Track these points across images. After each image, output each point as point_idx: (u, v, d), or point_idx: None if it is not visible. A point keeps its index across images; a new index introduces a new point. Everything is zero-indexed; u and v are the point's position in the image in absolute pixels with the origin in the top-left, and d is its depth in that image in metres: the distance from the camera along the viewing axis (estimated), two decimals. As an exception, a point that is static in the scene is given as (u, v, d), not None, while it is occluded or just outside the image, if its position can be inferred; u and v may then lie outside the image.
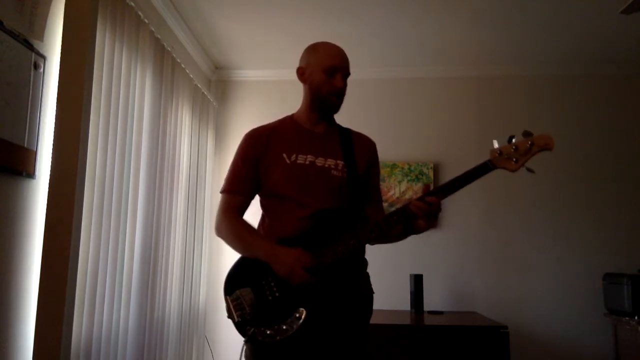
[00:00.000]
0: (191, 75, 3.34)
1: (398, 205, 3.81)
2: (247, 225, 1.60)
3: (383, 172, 3.76)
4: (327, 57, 1.60)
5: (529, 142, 1.50)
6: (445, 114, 3.91)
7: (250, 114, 3.99)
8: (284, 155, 1.59)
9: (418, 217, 1.49)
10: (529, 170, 1.50)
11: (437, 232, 3.70)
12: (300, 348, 1.46)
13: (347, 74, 1.63)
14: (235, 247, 1.58)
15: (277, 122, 1.70)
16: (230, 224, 1.59)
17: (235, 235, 1.58)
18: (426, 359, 2.77)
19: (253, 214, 1.66)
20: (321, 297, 1.47)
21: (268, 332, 1.44)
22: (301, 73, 1.65)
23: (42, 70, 1.96)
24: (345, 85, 1.61)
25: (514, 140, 1.52)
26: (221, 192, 1.65)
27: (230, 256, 1.56)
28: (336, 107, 1.64)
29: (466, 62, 3.85)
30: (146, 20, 2.58)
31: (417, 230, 1.52)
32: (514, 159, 1.51)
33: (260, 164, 1.60)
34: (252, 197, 1.65)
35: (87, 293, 2.06)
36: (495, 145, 1.53)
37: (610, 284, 3.35)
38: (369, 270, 1.65)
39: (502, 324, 2.90)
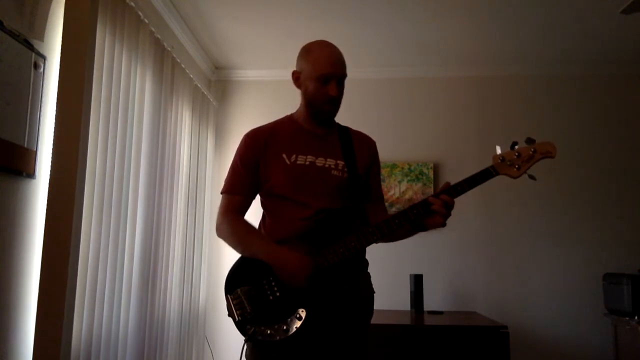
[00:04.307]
0: (191, 75, 3.34)
1: (398, 206, 3.83)
2: (248, 226, 1.60)
3: (383, 172, 3.76)
4: (319, 65, 1.54)
5: (532, 150, 1.51)
6: (445, 114, 3.91)
7: (250, 114, 3.99)
8: (284, 155, 1.58)
9: (421, 220, 1.50)
10: (531, 177, 1.51)
11: (437, 232, 3.70)
12: (300, 348, 1.46)
13: (343, 77, 1.57)
14: (236, 248, 1.57)
15: (277, 122, 1.69)
16: (231, 225, 1.59)
17: (236, 236, 1.58)
18: (426, 359, 2.77)
19: (254, 214, 1.66)
20: (322, 297, 1.47)
21: (268, 331, 1.44)
22: (296, 78, 1.63)
23: (42, 70, 1.96)
24: (340, 91, 1.57)
25: (516, 147, 1.52)
26: (221, 193, 1.65)
27: (230, 256, 1.56)
28: (332, 115, 1.62)
29: (466, 62, 3.85)
30: (146, 20, 2.58)
31: (429, 227, 1.51)
32: (517, 166, 1.51)
33: (260, 164, 1.60)
34: (253, 198, 1.65)
35: (87, 293, 2.06)
36: (498, 151, 1.53)
37: (610, 284, 3.35)
38: (369, 270, 1.65)
39: (502, 324, 2.90)
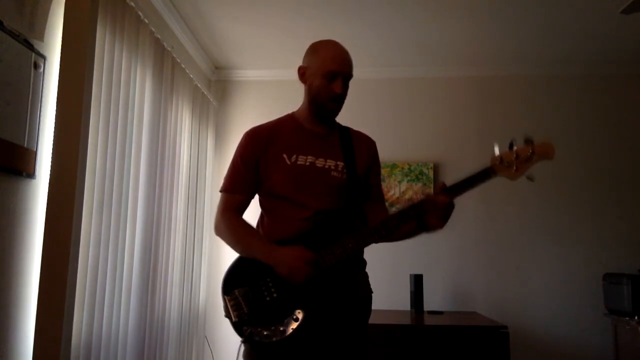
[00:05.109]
0: (191, 75, 3.34)
1: (398, 205, 3.83)
2: (246, 226, 1.59)
3: (383, 172, 3.76)
4: (327, 62, 1.55)
5: (530, 151, 1.49)
6: (445, 114, 3.91)
7: (250, 114, 3.99)
8: (285, 155, 1.58)
9: (419, 218, 1.50)
10: (529, 178, 1.50)
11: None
12: (298, 349, 1.45)
13: (349, 77, 1.59)
14: (234, 247, 1.57)
15: (278, 121, 1.69)
16: (229, 224, 1.58)
17: (234, 235, 1.57)
18: (426, 359, 2.77)
19: (253, 213, 1.66)
20: (319, 298, 1.46)
21: (265, 332, 1.43)
22: (302, 73, 1.63)
23: (42, 70, 1.96)
24: (345, 90, 1.58)
25: (514, 147, 1.51)
26: (220, 192, 1.64)
27: (230, 256, 1.56)
28: (334, 113, 1.62)
29: (466, 62, 3.85)
30: (146, 20, 2.58)
31: (431, 228, 1.50)
32: (515, 167, 1.50)
33: (260, 163, 1.59)
34: (252, 197, 1.65)
35: (87, 293, 2.06)
36: (497, 151, 1.51)
37: (610, 284, 3.35)
38: (369, 270, 1.65)
39: (502, 324, 2.90)
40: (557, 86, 3.87)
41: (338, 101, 1.59)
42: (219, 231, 1.61)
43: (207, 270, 3.73)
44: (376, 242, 1.50)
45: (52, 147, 2.01)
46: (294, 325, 1.43)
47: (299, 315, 1.44)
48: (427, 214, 1.48)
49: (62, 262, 1.94)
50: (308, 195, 1.54)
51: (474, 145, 3.80)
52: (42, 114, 1.96)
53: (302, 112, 1.66)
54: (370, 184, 1.68)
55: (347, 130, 1.70)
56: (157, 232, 2.75)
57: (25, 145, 1.87)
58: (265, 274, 1.48)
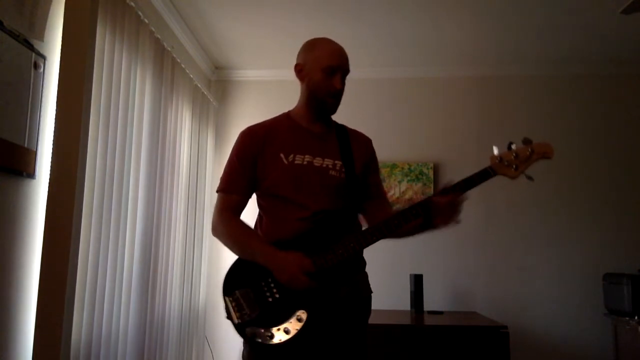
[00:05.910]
0: (191, 75, 3.34)
1: (398, 205, 3.83)
2: (244, 226, 1.58)
3: (383, 172, 3.77)
4: (325, 56, 1.55)
5: (529, 150, 1.50)
6: (445, 114, 3.91)
7: (250, 114, 3.98)
8: (282, 155, 1.56)
9: (426, 216, 1.49)
10: (529, 177, 1.51)
11: (437, 232, 3.70)
12: (299, 350, 1.44)
13: (347, 72, 1.59)
14: (232, 249, 1.55)
15: (274, 120, 1.67)
16: (227, 225, 1.56)
17: (232, 236, 1.55)
18: (426, 359, 2.77)
19: (252, 212, 1.66)
20: (321, 298, 1.45)
21: (268, 334, 1.42)
22: (298, 70, 1.62)
23: (42, 70, 1.96)
24: (343, 85, 1.58)
25: (513, 147, 1.52)
26: (217, 192, 1.62)
27: (230, 256, 1.55)
28: (333, 109, 1.61)
29: (466, 62, 3.85)
30: (146, 20, 2.58)
31: (437, 227, 1.51)
32: (514, 166, 1.51)
33: (257, 162, 1.57)
34: (249, 196, 1.63)
35: (87, 293, 2.06)
36: (495, 151, 1.53)
37: (610, 284, 3.35)
38: (369, 270, 1.65)
39: (502, 324, 2.90)
40: (557, 86, 3.87)
41: (337, 97, 1.58)
42: (217, 232, 1.59)
43: (207, 270, 3.73)
44: (378, 240, 1.49)
45: (52, 147, 2.01)
46: (298, 325, 1.42)
47: (303, 315, 1.42)
48: (431, 214, 1.48)
49: (62, 262, 1.94)
50: (306, 195, 1.53)
51: (474, 145, 3.80)
52: (42, 114, 1.96)
53: (298, 110, 1.65)
54: (369, 183, 1.67)
55: (343, 128, 1.69)
56: (157, 232, 2.75)
57: (25, 145, 1.87)
58: (267, 274, 1.47)
